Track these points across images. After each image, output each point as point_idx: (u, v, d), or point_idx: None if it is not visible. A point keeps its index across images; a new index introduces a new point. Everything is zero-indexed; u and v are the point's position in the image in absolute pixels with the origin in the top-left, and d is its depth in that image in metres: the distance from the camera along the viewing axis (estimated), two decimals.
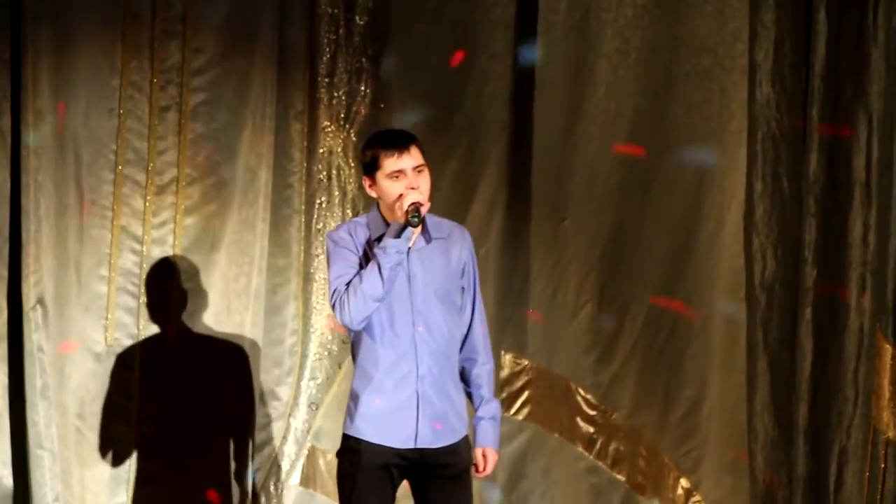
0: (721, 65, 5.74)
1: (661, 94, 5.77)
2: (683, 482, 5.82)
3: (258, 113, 5.46)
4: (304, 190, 5.59)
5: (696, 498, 5.82)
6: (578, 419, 5.84)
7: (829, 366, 5.49)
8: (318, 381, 5.61)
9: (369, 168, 3.98)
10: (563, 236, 5.80)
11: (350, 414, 4.01)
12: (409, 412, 3.97)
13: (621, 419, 5.84)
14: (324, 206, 5.62)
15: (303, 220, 5.58)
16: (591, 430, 5.85)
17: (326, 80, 5.58)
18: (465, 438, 4.08)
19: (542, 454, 5.80)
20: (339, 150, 5.63)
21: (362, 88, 5.63)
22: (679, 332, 5.83)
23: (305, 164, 5.59)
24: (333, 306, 3.91)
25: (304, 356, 5.59)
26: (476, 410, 4.13)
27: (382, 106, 5.63)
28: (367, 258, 3.92)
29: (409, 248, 3.95)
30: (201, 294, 5.45)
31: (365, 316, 3.89)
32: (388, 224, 3.96)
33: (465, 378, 4.12)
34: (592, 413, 5.85)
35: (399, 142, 3.96)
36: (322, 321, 5.59)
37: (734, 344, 5.80)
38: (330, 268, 3.96)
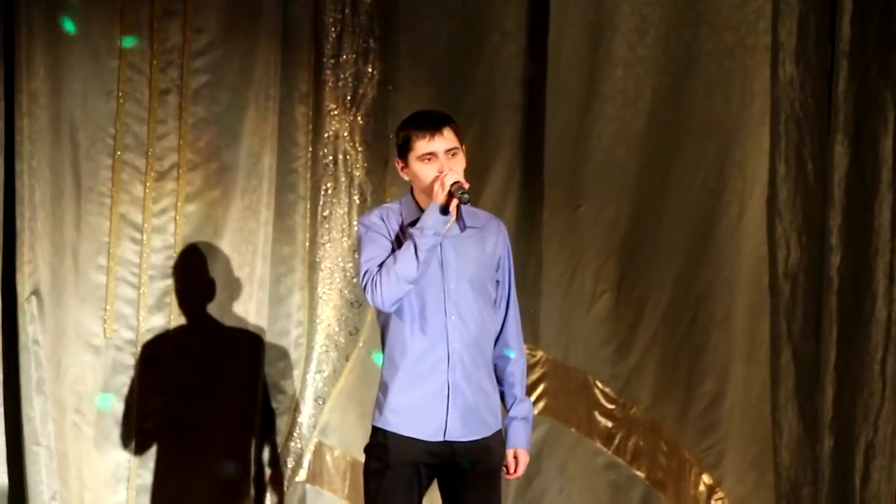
0: (743, 43, 5.77)
1: (682, 73, 5.79)
2: (705, 478, 5.86)
3: (261, 95, 5.47)
4: (309, 175, 5.61)
5: (719, 495, 5.86)
6: (596, 413, 5.87)
7: (855, 357, 5.53)
8: (325, 374, 5.62)
9: (402, 150, 4.01)
10: (578, 223, 5.81)
11: (379, 405, 4.03)
12: (439, 403, 3.98)
13: (641, 413, 5.87)
14: (330, 192, 5.64)
15: (308, 206, 5.59)
16: (610, 424, 5.88)
17: (332, 60, 5.60)
18: (498, 434, 4.09)
19: (558, 450, 5.83)
20: (346, 133, 5.65)
21: (369, 69, 5.65)
22: (700, 323, 5.85)
23: (311, 149, 5.59)
24: (364, 287, 3.91)
25: (309, 348, 5.60)
26: (507, 410, 4.14)
27: (391, 88, 5.65)
28: (399, 244, 3.94)
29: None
30: (203, 284, 5.46)
31: (397, 298, 3.90)
32: (421, 209, 3.98)
33: (497, 375, 4.13)
34: (611, 407, 5.88)
35: (432, 123, 3.98)
36: (329, 312, 5.61)
37: (757, 335, 5.84)
38: (361, 251, 3.97)
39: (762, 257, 5.78)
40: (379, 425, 4.02)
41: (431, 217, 3.91)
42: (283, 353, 5.60)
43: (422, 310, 3.97)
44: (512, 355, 4.12)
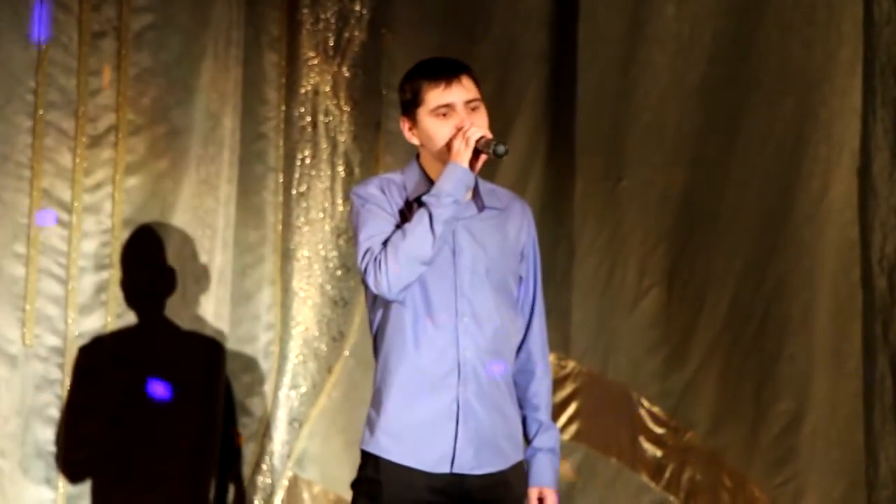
0: None
1: (751, 12, 5.76)
2: None
3: (221, 40, 5.42)
4: (281, 141, 5.55)
5: None
6: (642, 439, 5.80)
7: None
8: (302, 390, 5.53)
9: (409, 105, 3.92)
10: (620, 200, 5.79)
11: (370, 424, 3.92)
12: (447, 425, 3.85)
13: (698, 439, 5.79)
14: (307, 162, 5.57)
15: (280, 180, 5.55)
16: (659, 453, 5.80)
17: None
18: (519, 466, 3.97)
19: (594, 484, 5.78)
20: (328, 88, 5.57)
21: (357, 7, 5.58)
22: (772, 326, 5.81)
23: (283, 108, 5.55)
24: (365, 270, 3.82)
25: (282, 358, 5.53)
26: (530, 440, 4.02)
27: (384, 30, 5.60)
28: (405, 221, 3.87)
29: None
30: (148, 278, 5.36)
31: (407, 282, 3.80)
32: (431, 181, 3.89)
33: (517, 395, 4.02)
34: (660, 431, 5.81)
35: (447, 70, 3.90)
36: (307, 312, 5.55)
37: (845, 340, 5.78)
38: (359, 228, 3.89)
39: (852, 243, 5.73)
40: (369, 450, 3.90)
41: (451, 179, 3.81)
42: (249, 364, 5.52)
43: (427, 307, 3.87)
44: (537, 371, 4.04)
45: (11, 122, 5.21)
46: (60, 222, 5.26)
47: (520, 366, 4.01)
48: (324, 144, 5.54)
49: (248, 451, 5.45)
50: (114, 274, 5.28)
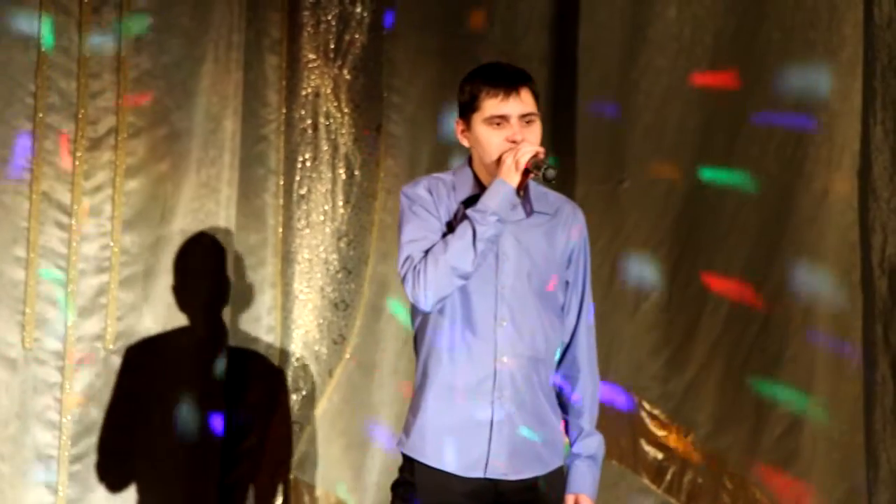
0: None
1: (752, 12, 5.73)
2: None
3: (221, 43, 5.43)
4: (282, 144, 5.58)
5: None
6: (643, 442, 5.81)
7: None
8: (303, 393, 5.56)
9: (465, 108, 3.93)
10: (621, 202, 5.79)
11: (406, 427, 3.95)
12: (481, 430, 3.88)
13: (699, 442, 5.79)
14: (308, 164, 5.59)
15: (281, 183, 5.57)
16: (660, 455, 5.80)
17: None
18: (559, 473, 4.00)
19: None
20: (329, 91, 5.61)
21: (358, 10, 5.60)
22: (773, 328, 5.79)
23: (284, 111, 5.58)
24: (404, 278, 3.84)
25: (283, 361, 5.54)
26: (571, 445, 4.04)
27: (384, 32, 5.62)
28: (450, 228, 3.89)
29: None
30: (149, 280, 5.36)
31: (444, 295, 3.82)
32: (481, 186, 3.91)
33: (560, 401, 4.04)
34: (661, 434, 5.80)
35: (508, 80, 3.90)
36: (307, 315, 5.57)
37: (845, 342, 5.75)
38: (402, 229, 3.92)
39: (853, 245, 5.70)
40: (405, 451, 3.95)
41: (497, 197, 3.81)
42: (249, 367, 5.52)
43: (467, 313, 3.91)
44: (581, 377, 4.06)
45: (10, 125, 5.22)
46: (60, 225, 5.26)
47: (564, 370, 4.02)
48: (325, 147, 5.56)
49: (249, 454, 5.44)
50: (113, 277, 5.29)
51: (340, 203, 5.54)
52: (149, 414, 5.30)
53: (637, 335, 5.75)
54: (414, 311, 3.97)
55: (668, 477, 5.76)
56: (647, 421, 5.76)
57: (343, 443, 5.47)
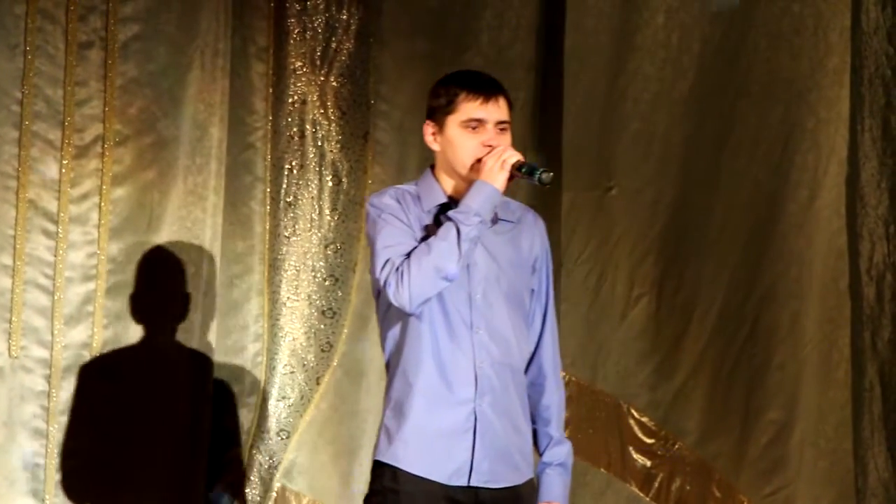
0: None
1: (739, 21, 5.75)
2: None
3: (208, 50, 5.42)
4: (268, 152, 5.58)
5: None
6: (631, 449, 5.81)
7: None
8: (290, 401, 5.54)
9: (438, 110, 3.92)
10: (609, 209, 5.78)
11: (386, 433, 3.92)
12: (464, 437, 3.87)
13: (687, 449, 5.81)
14: (295, 172, 5.58)
15: (268, 190, 5.57)
16: (648, 463, 5.82)
17: (297, 6, 5.57)
18: (531, 484, 3.98)
19: (584, 495, 5.73)
20: (315, 98, 5.60)
21: (344, 16, 5.60)
22: (761, 335, 5.82)
23: (271, 118, 5.58)
24: (385, 282, 3.81)
25: (270, 369, 5.55)
26: (541, 454, 4.03)
27: (371, 40, 5.61)
28: (425, 234, 3.88)
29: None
30: (135, 288, 5.35)
31: (428, 296, 3.81)
32: (445, 194, 3.91)
33: (529, 409, 4.02)
34: (649, 441, 5.82)
35: (488, 86, 3.90)
36: (295, 323, 5.56)
37: (833, 349, 5.81)
38: (376, 237, 3.90)
39: (841, 252, 5.75)
40: (385, 460, 3.90)
41: (480, 197, 3.81)
42: (237, 375, 5.52)
43: (445, 320, 3.89)
44: (548, 385, 4.04)
45: None
46: (46, 233, 5.25)
47: (531, 379, 4.01)
48: (311, 154, 5.55)
49: (237, 462, 5.43)
50: (100, 285, 5.28)
51: (327, 210, 5.54)
52: (135, 422, 5.27)
53: (625, 343, 5.73)
54: (385, 321, 3.96)
55: (657, 484, 5.76)
56: (636, 428, 5.75)
57: (331, 451, 5.47)
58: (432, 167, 3.95)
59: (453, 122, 3.87)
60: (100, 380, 5.27)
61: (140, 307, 5.32)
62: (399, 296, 3.80)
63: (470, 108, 3.85)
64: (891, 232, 5.60)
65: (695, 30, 5.71)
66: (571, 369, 5.70)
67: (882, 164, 5.61)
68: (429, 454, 3.86)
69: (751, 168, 5.74)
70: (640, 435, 5.76)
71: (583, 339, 5.72)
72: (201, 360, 5.35)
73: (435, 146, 3.92)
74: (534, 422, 4.00)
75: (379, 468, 3.89)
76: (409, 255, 3.82)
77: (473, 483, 3.86)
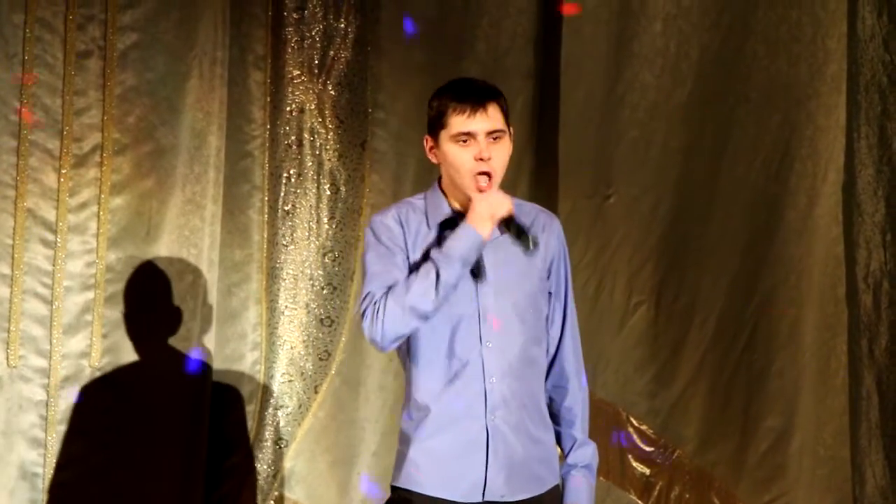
0: None
1: (737, 28, 5.77)
2: None
3: (206, 59, 5.45)
4: (266, 160, 5.60)
5: None
6: (630, 458, 5.83)
7: None
8: (288, 410, 5.56)
9: (433, 125, 3.89)
10: (607, 217, 5.78)
11: (398, 460, 3.90)
12: (476, 454, 3.85)
13: (686, 457, 5.83)
14: (293, 180, 5.60)
15: (266, 199, 5.59)
16: (647, 471, 5.84)
17: (295, 15, 5.58)
18: (556, 491, 3.95)
19: None
20: (313, 106, 5.61)
21: (342, 25, 5.61)
22: (760, 343, 5.84)
23: (269, 127, 5.60)
24: (363, 315, 3.79)
25: (269, 377, 5.56)
26: (565, 456, 4.01)
27: (369, 48, 5.63)
28: (425, 255, 3.83)
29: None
30: (134, 297, 5.36)
31: (399, 335, 3.79)
32: (451, 208, 3.89)
33: (552, 412, 4.01)
34: (649, 449, 5.84)
35: (475, 95, 3.85)
36: (293, 331, 5.57)
37: (831, 357, 5.85)
38: (367, 268, 3.87)
39: (838, 259, 5.79)
40: (399, 485, 3.89)
41: (464, 243, 3.78)
42: (235, 384, 5.53)
43: (452, 335, 3.86)
44: (570, 387, 4.01)
45: None
46: (45, 242, 5.26)
47: (553, 381, 3.99)
48: (309, 163, 5.56)
49: (235, 471, 5.44)
50: (99, 294, 5.30)
51: (325, 219, 5.55)
52: (133, 432, 5.28)
53: (624, 351, 5.74)
54: (404, 344, 3.89)
55: (656, 492, 5.78)
56: (635, 436, 5.76)
57: (329, 459, 5.48)
58: (440, 179, 3.92)
59: (445, 137, 3.84)
60: (98, 389, 5.27)
61: (138, 316, 5.33)
62: (373, 332, 3.78)
63: (458, 122, 3.81)
64: (887, 240, 5.61)
65: (693, 37, 5.73)
66: None
67: (878, 171, 5.62)
68: (442, 473, 3.85)
69: (749, 175, 5.76)
70: (639, 443, 5.76)
71: (582, 347, 5.57)
72: (199, 369, 5.36)
73: (434, 160, 3.90)
74: (557, 424, 3.98)
75: (394, 493, 3.90)
76: (389, 289, 3.78)
77: (489, 498, 3.85)
